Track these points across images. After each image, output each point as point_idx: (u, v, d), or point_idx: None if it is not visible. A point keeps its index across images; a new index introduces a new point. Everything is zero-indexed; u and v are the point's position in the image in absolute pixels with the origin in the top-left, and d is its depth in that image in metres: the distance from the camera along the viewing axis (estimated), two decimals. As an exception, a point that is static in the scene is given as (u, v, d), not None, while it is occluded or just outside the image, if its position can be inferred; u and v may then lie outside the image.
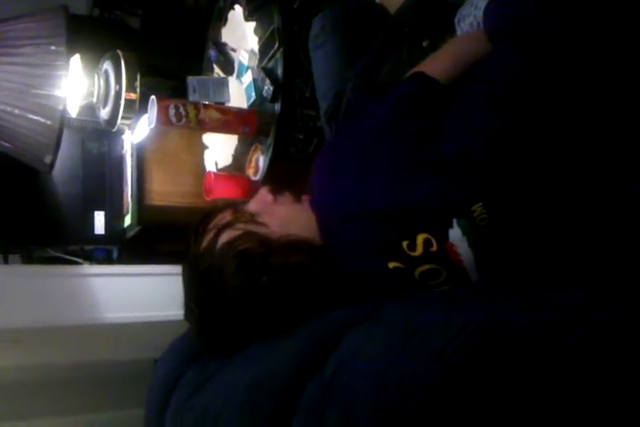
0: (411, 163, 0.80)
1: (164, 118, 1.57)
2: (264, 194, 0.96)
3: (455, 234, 0.78)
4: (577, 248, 0.79)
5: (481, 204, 0.77)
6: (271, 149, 1.57)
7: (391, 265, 0.82)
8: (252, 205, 0.94)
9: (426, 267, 0.81)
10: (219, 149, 1.87)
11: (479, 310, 0.66)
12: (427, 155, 0.79)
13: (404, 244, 0.80)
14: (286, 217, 0.92)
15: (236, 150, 1.77)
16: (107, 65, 1.83)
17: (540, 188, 0.78)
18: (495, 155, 0.78)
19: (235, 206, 0.94)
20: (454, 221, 0.78)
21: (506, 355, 0.56)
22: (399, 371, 0.59)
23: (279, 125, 1.57)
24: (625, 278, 0.75)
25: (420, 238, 0.79)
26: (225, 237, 0.87)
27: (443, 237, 0.78)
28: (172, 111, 1.57)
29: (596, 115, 0.79)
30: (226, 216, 0.91)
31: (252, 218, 0.90)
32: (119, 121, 1.79)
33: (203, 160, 1.93)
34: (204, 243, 0.88)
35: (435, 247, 0.79)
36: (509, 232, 0.79)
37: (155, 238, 1.99)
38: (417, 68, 0.94)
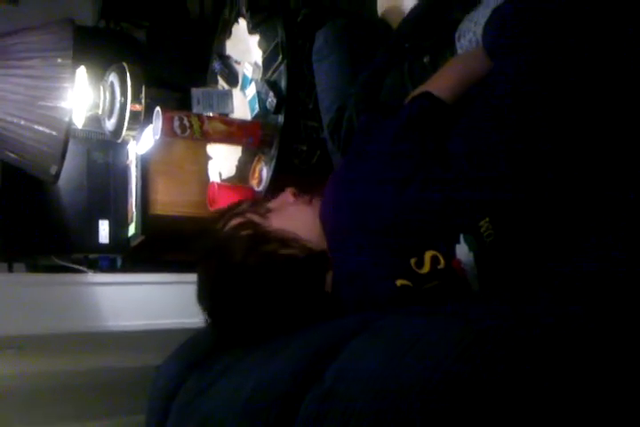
0: (419, 179, 0.81)
1: (168, 130, 1.59)
2: (286, 194, 1.03)
3: (462, 250, 0.79)
4: (576, 261, 0.80)
5: (488, 219, 0.78)
6: (274, 161, 1.59)
7: (399, 283, 0.82)
8: (272, 202, 1.01)
9: (433, 283, 0.82)
10: (222, 160, 1.89)
11: (477, 320, 0.67)
12: (435, 171, 0.81)
13: (412, 261, 0.81)
14: (293, 216, 0.97)
15: (240, 161, 1.79)
16: (112, 77, 1.85)
17: (544, 203, 0.78)
18: (502, 170, 0.79)
19: (258, 200, 1.05)
20: (461, 236, 0.79)
21: (504, 364, 0.57)
22: (398, 381, 0.60)
23: (282, 137, 1.59)
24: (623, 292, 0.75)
25: (428, 255, 0.80)
26: (233, 223, 0.96)
27: (450, 254, 0.79)
28: (176, 123, 1.59)
29: (597, 124, 0.79)
30: (245, 206, 1.00)
31: (265, 212, 0.97)
32: (124, 132, 1.81)
33: (207, 171, 1.95)
34: (219, 224, 0.98)
35: (442, 264, 0.80)
36: (514, 247, 0.80)
37: (158, 247, 2.00)
38: (422, 88, 0.96)
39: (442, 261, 0.80)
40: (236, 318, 0.92)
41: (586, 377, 0.55)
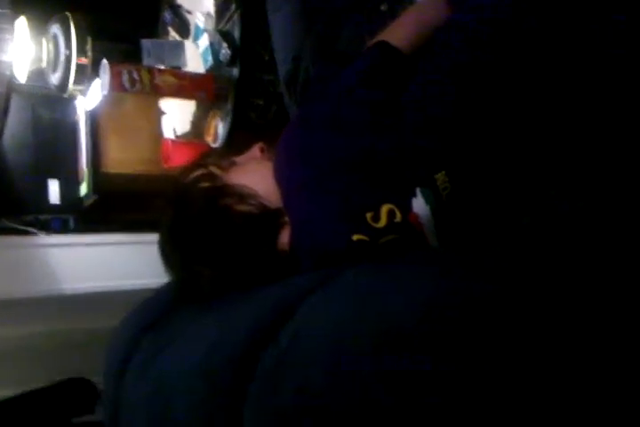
0: (374, 132, 0.81)
1: (116, 84, 1.52)
2: (254, 149, 1.01)
3: (418, 203, 0.79)
4: (533, 214, 0.80)
5: (444, 172, 0.77)
6: (230, 116, 1.54)
7: (355, 237, 0.81)
8: (239, 157, 1.00)
9: (389, 237, 0.81)
10: (176, 116, 1.83)
11: (435, 277, 0.66)
12: (389, 123, 0.80)
13: (369, 216, 0.80)
14: (254, 172, 0.94)
15: (195, 116, 1.73)
16: (55, 28, 1.75)
17: (496, 156, 0.78)
18: (455, 120, 0.78)
19: (225, 154, 1.06)
20: (417, 189, 0.78)
21: (467, 316, 0.55)
22: (355, 338, 0.59)
23: (238, 91, 1.53)
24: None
25: (385, 209, 0.79)
26: (194, 174, 0.95)
27: (406, 207, 0.79)
28: (124, 76, 1.52)
29: (548, 77, 0.79)
30: (210, 159, 1.00)
31: (229, 166, 0.96)
32: (70, 86, 1.73)
33: (160, 126, 1.88)
34: (183, 176, 0.96)
35: (399, 218, 0.79)
36: (470, 200, 0.79)
37: (112, 207, 1.94)
38: (379, 37, 0.93)
39: (398, 214, 0.79)
40: (189, 270, 0.91)
41: (538, 329, 0.54)
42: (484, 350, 0.53)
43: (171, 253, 0.93)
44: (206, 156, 1.04)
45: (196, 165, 0.98)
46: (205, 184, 0.93)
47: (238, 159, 0.99)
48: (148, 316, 0.93)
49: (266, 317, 0.70)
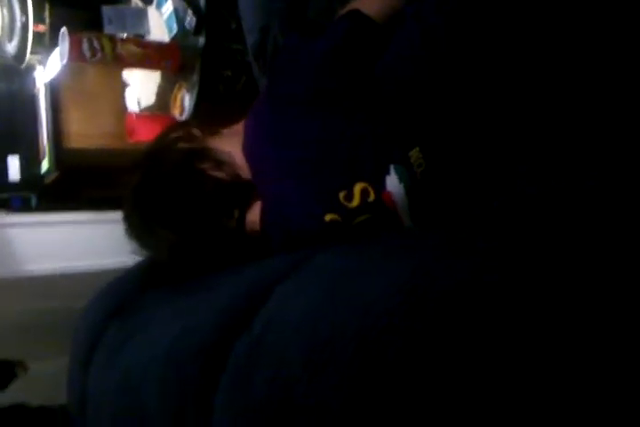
0: (345, 107, 0.78)
1: (76, 53, 1.44)
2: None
3: (392, 181, 0.77)
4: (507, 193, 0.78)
5: (418, 148, 0.76)
6: (197, 87, 1.48)
7: (327, 217, 0.79)
8: (228, 129, 0.96)
9: (363, 217, 0.79)
10: (141, 87, 1.75)
11: (410, 258, 0.63)
12: (361, 99, 0.78)
13: (341, 195, 0.78)
14: (234, 142, 0.91)
15: (160, 88, 1.67)
16: (10, -5, 1.66)
17: (469, 130, 0.76)
18: (430, 87, 0.76)
19: (213, 122, 0.99)
20: (391, 167, 0.76)
21: (435, 312, 0.53)
22: (330, 325, 0.56)
23: (204, 61, 1.47)
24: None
25: (358, 188, 0.77)
26: (174, 134, 0.92)
27: (380, 186, 0.77)
28: (85, 45, 1.45)
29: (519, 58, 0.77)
30: (194, 122, 1.02)
31: (213, 133, 0.93)
32: (28, 56, 1.65)
33: (124, 99, 1.81)
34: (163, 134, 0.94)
35: (372, 197, 0.77)
36: (444, 179, 0.78)
37: (76, 183, 1.87)
38: (351, 6, 0.89)
39: (372, 193, 0.77)
40: (148, 232, 0.88)
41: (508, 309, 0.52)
42: (468, 333, 0.51)
43: (132, 212, 0.89)
44: (184, 125, 1.00)
45: (177, 125, 0.96)
46: (184, 145, 0.90)
47: (225, 130, 0.96)
48: (113, 300, 0.90)
49: (239, 302, 0.67)
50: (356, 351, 0.53)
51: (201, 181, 0.86)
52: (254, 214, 0.88)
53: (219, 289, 0.74)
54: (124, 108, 1.78)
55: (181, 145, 0.90)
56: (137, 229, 0.89)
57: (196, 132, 0.92)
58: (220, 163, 0.87)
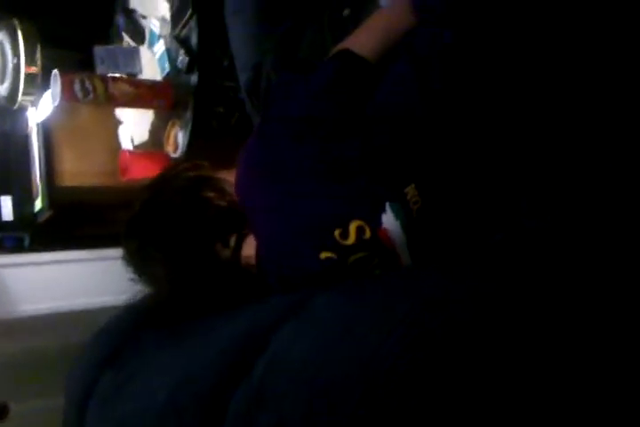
0: (340, 146, 0.78)
1: (68, 94, 1.45)
2: None
3: (388, 219, 0.76)
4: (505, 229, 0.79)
5: (413, 185, 0.76)
6: (190, 124, 1.48)
7: (323, 256, 0.78)
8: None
9: (359, 255, 0.78)
10: (134, 125, 1.76)
11: (410, 296, 0.62)
12: (355, 137, 0.78)
13: (337, 233, 0.77)
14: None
15: (153, 125, 1.67)
16: (1, 35, 1.67)
17: (466, 167, 0.77)
18: (423, 128, 0.77)
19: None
20: (387, 205, 0.76)
21: (440, 354, 0.52)
22: (331, 373, 0.55)
23: (197, 98, 1.48)
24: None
25: (353, 226, 0.77)
26: (182, 166, 0.92)
27: (376, 223, 0.76)
28: (77, 86, 1.45)
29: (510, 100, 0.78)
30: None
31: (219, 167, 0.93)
32: (20, 97, 1.65)
33: (117, 137, 1.81)
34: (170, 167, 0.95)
35: (368, 234, 0.77)
36: (441, 215, 0.78)
37: (69, 222, 1.86)
38: (343, 44, 0.90)
39: (367, 231, 0.77)
40: (144, 255, 0.87)
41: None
42: (471, 382, 0.50)
43: (130, 236, 0.88)
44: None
45: (184, 160, 0.93)
46: (193, 173, 0.90)
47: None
48: (106, 346, 0.87)
49: (237, 349, 0.66)
50: (360, 402, 0.52)
51: (202, 206, 0.86)
52: (250, 248, 0.86)
53: (216, 333, 0.72)
54: (117, 145, 1.78)
55: (189, 174, 0.90)
56: (134, 254, 0.88)
57: (203, 163, 0.93)
58: (222, 191, 0.87)
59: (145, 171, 1.55)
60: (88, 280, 1.57)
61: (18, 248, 1.84)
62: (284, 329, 0.63)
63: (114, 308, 1.01)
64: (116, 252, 0.90)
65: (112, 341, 0.86)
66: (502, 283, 0.58)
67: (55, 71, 1.46)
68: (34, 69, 1.63)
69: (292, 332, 0.62)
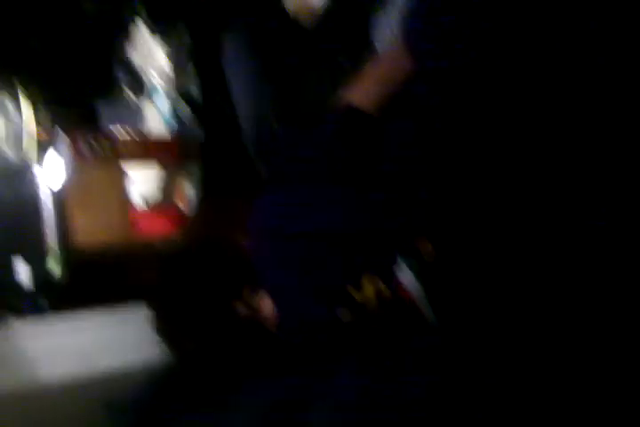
0: (351, 203, 0.79)
1: (75, 153, 1.44)
2: None
3: (403, 272, 0.77)
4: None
5: (425, 238, 0.76)
6: (199, 178, 1.46)
7: (337, 311, 0.77)
8: None
9: (375, 309, 0.77)
10: (143, 180, 1.74)
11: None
12: (366, 194, 0.79)
13: (350, 288, 0.77)
14: None
15: (162, 180, 1.66)
16: (5, 100, 1.68)
17: (476, 220, 0.76)
18: (433, 181, 0.77)
19: None
20: (400, 258, 0.77)
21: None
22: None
23: (204, 151, 1.46)
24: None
25: (367, 280, 0.77)
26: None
27: (389, 277, 0.76)
28: (82, 144, 1.45)
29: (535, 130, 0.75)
30: None
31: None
32: (25, 157, 1.64)
33: (127, 193, 1.79)
34: None
35: (382, 288, 0.77)
36: (456, 264, 0.77)
37: (86, 281, 1.83)
38: (345, 98, 0.88)
39: (381, 284, 0.77)
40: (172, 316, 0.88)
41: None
42: None
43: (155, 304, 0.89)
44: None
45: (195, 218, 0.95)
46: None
47: None
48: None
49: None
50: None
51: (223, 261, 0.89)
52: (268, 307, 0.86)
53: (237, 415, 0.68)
54: (127, 202, 1.76)
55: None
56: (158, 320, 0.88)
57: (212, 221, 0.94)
58: (235, 249, 0.90)
59: (157, 225, 1.54)
60: (111, 341, 1.54)
61: (35, 312, 1.81)
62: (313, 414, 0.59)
63: (135, 368, 0.98)
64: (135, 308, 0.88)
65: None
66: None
67: (60, 131, 1.46)
68: (38, 128, 1.63)
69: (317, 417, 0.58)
